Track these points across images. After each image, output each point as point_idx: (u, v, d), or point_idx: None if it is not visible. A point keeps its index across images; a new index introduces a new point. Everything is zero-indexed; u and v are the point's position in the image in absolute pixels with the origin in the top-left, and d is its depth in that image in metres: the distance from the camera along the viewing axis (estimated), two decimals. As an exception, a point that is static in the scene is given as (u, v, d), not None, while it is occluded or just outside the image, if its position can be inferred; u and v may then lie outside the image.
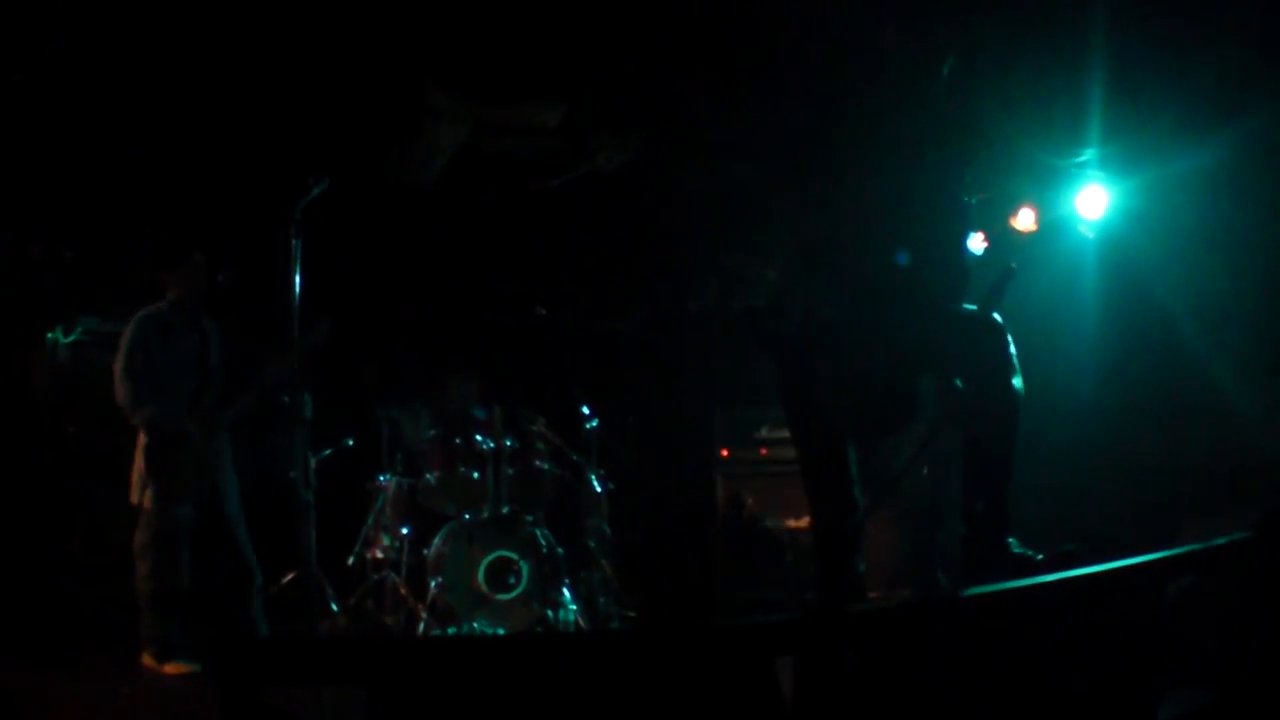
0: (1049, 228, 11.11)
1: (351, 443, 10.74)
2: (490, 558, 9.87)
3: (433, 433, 10.78)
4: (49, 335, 10.82)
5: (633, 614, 10.70)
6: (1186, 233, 10.09)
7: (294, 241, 7.53)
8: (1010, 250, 10.84)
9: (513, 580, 9.87)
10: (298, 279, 7.43)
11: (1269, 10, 8.31)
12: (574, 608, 10.04)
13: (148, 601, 8.89)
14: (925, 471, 9.00)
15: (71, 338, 10.81)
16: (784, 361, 6.56)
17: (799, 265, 6.54)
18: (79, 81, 9.03)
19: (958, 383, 6.69)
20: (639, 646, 3.87)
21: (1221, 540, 5.49)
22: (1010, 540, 6.16)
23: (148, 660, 8.85)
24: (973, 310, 6.65)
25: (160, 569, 8.89)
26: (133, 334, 9.15)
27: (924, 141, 6.40)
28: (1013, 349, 8.70)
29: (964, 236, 7.06)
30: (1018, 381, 8.72)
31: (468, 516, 10.16)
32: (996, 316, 8.61)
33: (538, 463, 10.62)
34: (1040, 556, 5.95)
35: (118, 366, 9.06)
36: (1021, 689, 4.40)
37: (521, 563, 9.88)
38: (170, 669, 8.76)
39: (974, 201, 10.44)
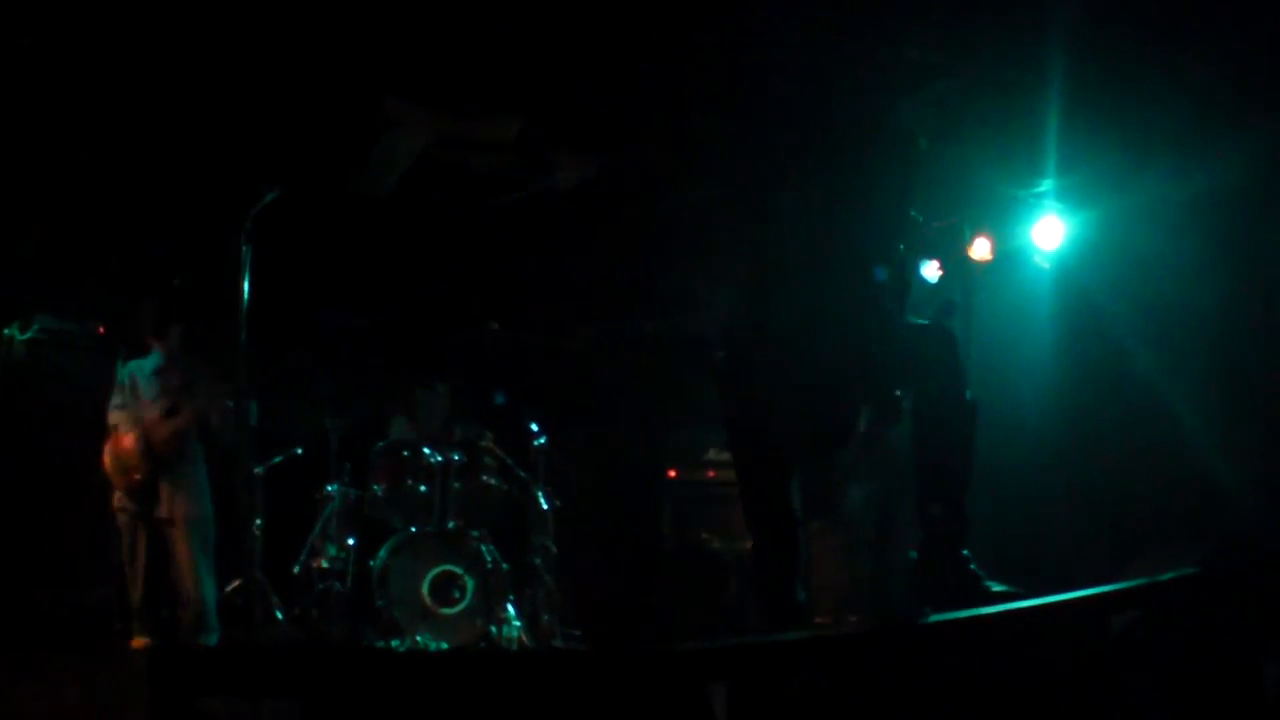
0: (1005, 258, 11.15)
1: (301, 451, 10.70)
2: (435, 572, 9.85)
3: (380, 445, 10.74)
4: (4, 332, 10.76)
5: (577, 632, 10.70)
6: (1142, 264, 10.12)
7: (244, 248, 7.50)
8: (965, 278, 10.87)
9: (457, 595, 9.85)
10: (246, 286, 7.38)
11: (1227, 45, 8.34)
12: (518, 624, 10.02)
13: None
14: (866, 493, 9.00)
15: (28, 335, 10.75)
16: (726, 387, 6.54)
17: (745, 288, 6.52)
18: (39, 83, 8.98)
19: (897, 394, 6.69)
20: (574, 668, 3.84)
21: (1167, 575, 5.48)
22: (967, 554, 6.13)
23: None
24: (923, 323, 6.65)
25: None
26: None
27: (873, 160, 6.39)
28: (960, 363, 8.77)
29: (912, 253, 7.06)
30: (968, 394, 8.78)
31: (414, 530, 10.12)
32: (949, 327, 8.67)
33: (485, 478, 10.59)
34: (997, 588, 5.92)
35: None
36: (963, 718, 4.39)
37: (466, 578, 9.87)
38: None
39: (925, 221, 10.52)
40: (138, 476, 9.34)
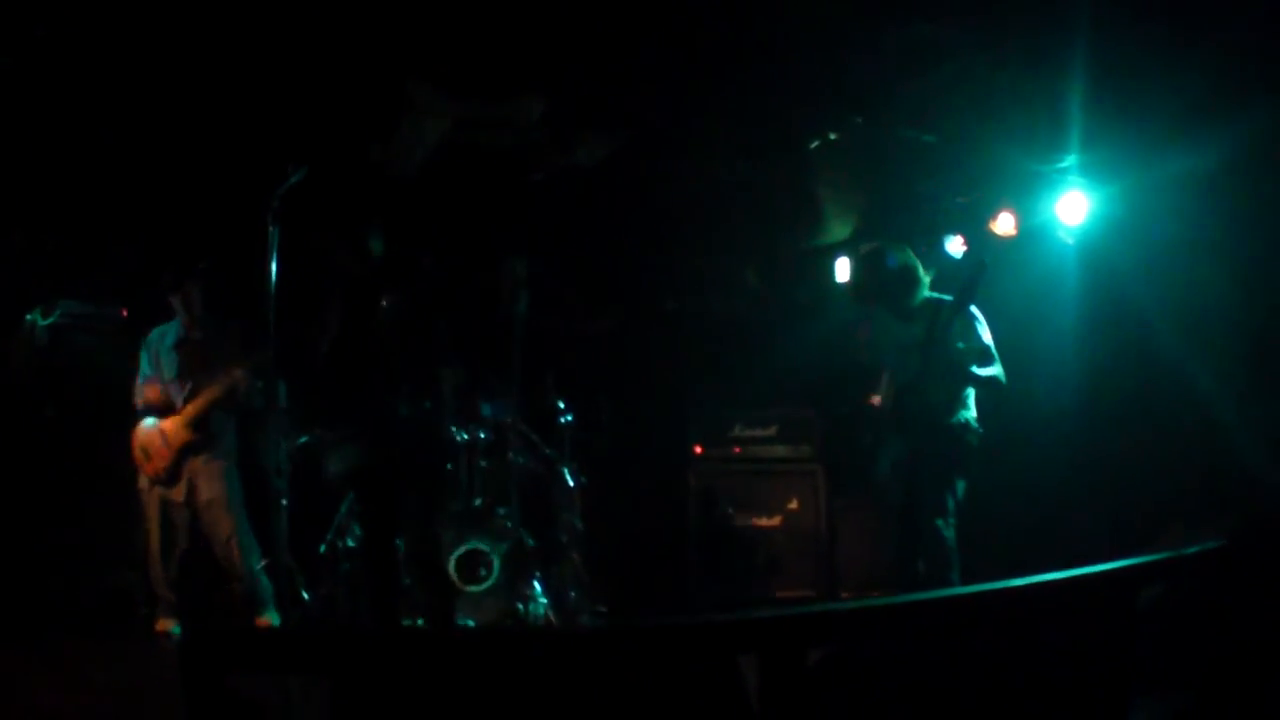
0: (1029, 233, 11.11)
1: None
2: (461, 550, 9.87)
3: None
4: (27, 317, 10.78)
5: (603, 609, 10.70)
6: (1167, 240, 10.09)
7: (272, 229, 7.51)
8: (988, 253, 10.85)
9: (484, 573, 9.87)
10: (274, 266, 7.39)
11: (1252, 18, 8.31)
12: (544, 601, 10.03)
13: None
14: (894, 461, 9.01)
15: (50, 320, 10.77)
16: None
17: None
18: (61, 69, 9.00)
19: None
20: (601, 643, 3.87)
21: (1193, 549, 5.48)
22: None
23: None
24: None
25: None
26: None
27: None
28: (989, 339, 8.75)
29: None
30: (998, 369, 8.78)
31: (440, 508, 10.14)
32: (973, 308, 8.67)
33: (512, 456, 10.57)
34: None
35: None
36: (989, 693, 4.40)
37: (493, 555, 9.88)
38: None
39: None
40: (162, 464, 9.38)
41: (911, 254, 9.14)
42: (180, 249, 10.22)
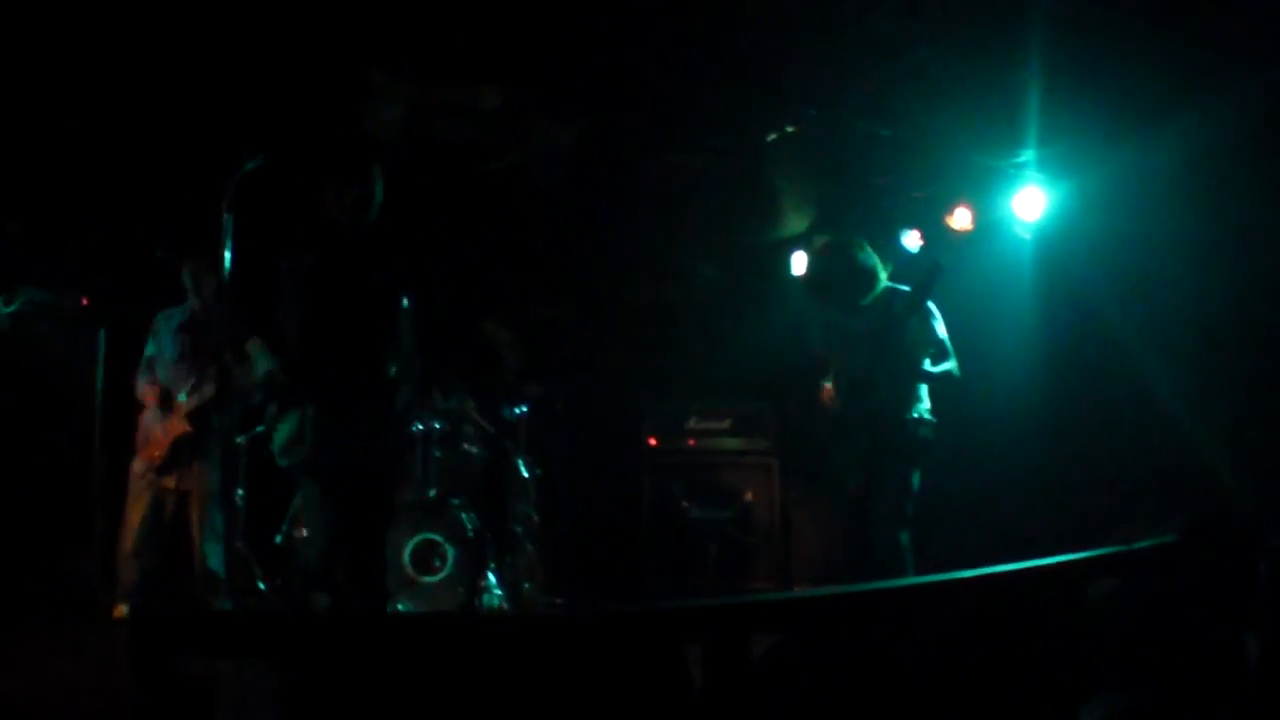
0: (985, 228, 11.15)
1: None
2: (416, 540, 9.85)
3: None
4: (-10, 304, 10.75)
5: (558, 600, 10.71)
6: (1123, 235, 10.13)
7: (226, 217, 7.48)
8: (944, 249, 10.88)
9: (438, 563, 9.86)
10: (228, 255, 7.37)
11: (1206, 13, 8.36)
12: (499, 593, 10.05)
13: None
14: (849, 455, 9.01)
15: (12, 308, 10.73)
16: None
17: None
18: (19, 55, 8.97)
19: None
20: (549, 630, 3.88)
21: (1144, 544, 5.52)
22: None
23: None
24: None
25: None
26: None
27: None
28: (944, 334, 8.77)
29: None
30: (953, 364, 8.80)
31: (395, 498, 10.12)
32: (930, 304, 8.70)
33: (466, 446, 10.60)
34: None
35: None
36: (937, 687, 4.41)
37: (447, 546, 9.87)
38: None
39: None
40: (159, 452, 9.42)
41: (869, 250, 9.13)
42: (140, 235, 10.21)
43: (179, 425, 9.44)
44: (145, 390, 9.65)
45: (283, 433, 7.71)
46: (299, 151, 7.94)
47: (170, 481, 9.46)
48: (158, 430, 9.47)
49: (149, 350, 9.74)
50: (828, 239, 9.70)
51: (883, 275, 8.96)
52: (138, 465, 9.54)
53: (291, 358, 7.55)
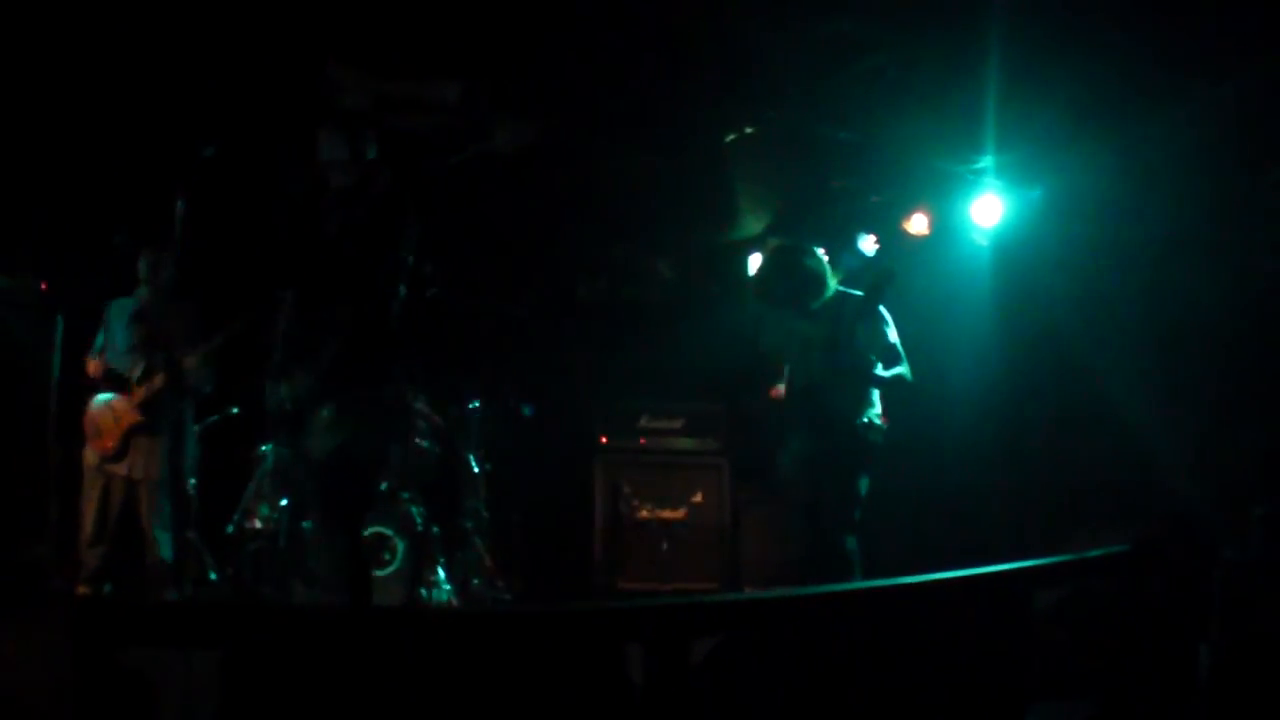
0: (942, 233, 11.18)
1: (236, 411, 10.70)
2: (366, 533, 9.83)
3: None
4: (-47, 292, 10.69)
5: (507, 596, 10.71)
6: (1080, 242, 10.19)
7: (180, 204, 7.47)
8: (900, 253, 10.91)
9: (388, 556, 9.85)
10: (181, 239, 7.35)
11: (1163, 19, 8.39)
12: (448, 588, 10.03)
13: None
14: (794, 457, 9.02)
15: (-23, 296, 10.70)
16: None
17: None
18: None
19: None
20: (488, 626, 3.88)
21: (1094, 552, 5.53)
22: None
23: None
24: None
25: None
26: None
27: None
28: (895, 339, 8.80)
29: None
30: (905, 369, 8.83)
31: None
32: (882, 309, 8.71)
33: (417, 440, 10.57)
34: None
35: None
36: (880, 692, 4.42)
37: (397, 540, 9.86)
38: None
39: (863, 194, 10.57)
40: (112, 442, 9.38)
41: (819, 256, 9.11)
42: (97, 221, 10.18)
43: (131, 415, 9.41)
44: (92, 373, 9.62)
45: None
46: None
47: (121, 469, 9.43)
48: (109, 419, 9.43)
49: (99, 340, 9.71)
50: (778, 243, 9.69)
51: (832, 281, 8.95)
52: (89, 455, 9.50)
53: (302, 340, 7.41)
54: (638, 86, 9.93)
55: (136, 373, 9.42)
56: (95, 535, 9.41)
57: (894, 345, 8.88)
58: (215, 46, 9.26)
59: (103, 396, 9.52)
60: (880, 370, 8.77)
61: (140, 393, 9.40)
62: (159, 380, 9.34)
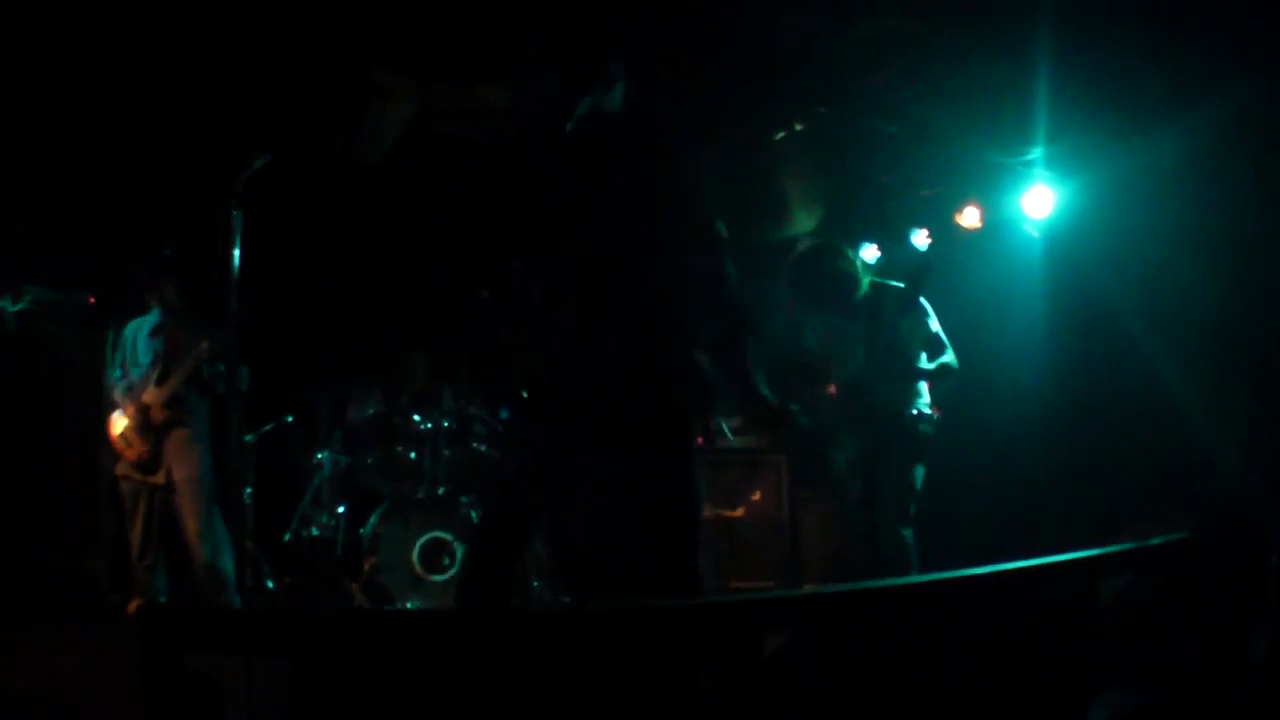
0: (994, 226, 11.15)
1: (291, 419, 10.73)
2: (425, 538, 9.86)
3: (372, 411, 10.75)
4: (-3, 303, 10.76)
5: (566, 598, 10.70)
6: (1132, 232, 10.13)
7: (235, 214, 7.47)
8: (953, 247, 10.88)
9: (447, 561, 9.87)
10: (237, 253, 7.35)
11: (1215, 10, 8.34)
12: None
13: None
14: (849, 457, 9.00)
15: (19, 307, 10.74)
16: None
17: None
18: (24, 53, 8.97)
19: None
20: (557, 625, 3.87)
21: (1156, 541, 5.49)
22: None
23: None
24: None
25: None
26: None
27: None
28: (937, 328, 8.75)
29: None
30: (950, 357, 8.78)
31: (404, 497, 10.13)
32: (922, 300, 8.68)
33: (475, 444, 10.58)
34: None
35: None
36: (946, 685, 4.40)
37: (456, 544, 9.88)
38: None
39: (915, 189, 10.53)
40: (139, 450, 9.37)
41: (848, 253, 9.04)
42: (146, 234, 10.21)
43: (160, 413, 9.38)
44: (120, 388, 9.61)
45: None
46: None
47: (158, 478, 9.38)
48: (132, 432, 9.41)
49: (118, 359, 9.70)
50: (806, 246, 9.60)
51: (864, 277, 8.91)
52: (123, 468, 9.50)
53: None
54: (685, 87, 9.92)
55: (155, 374, 9.41)
56: (142, 549, 9.43)
57: (937, 334, 8.86)
58: (262, 55, 9.28)
59: (123, 413, 9.52)
60: (924, 362, 8.75)
61: (166, 388, 9.38)
62: (179, 375, 9.32)
